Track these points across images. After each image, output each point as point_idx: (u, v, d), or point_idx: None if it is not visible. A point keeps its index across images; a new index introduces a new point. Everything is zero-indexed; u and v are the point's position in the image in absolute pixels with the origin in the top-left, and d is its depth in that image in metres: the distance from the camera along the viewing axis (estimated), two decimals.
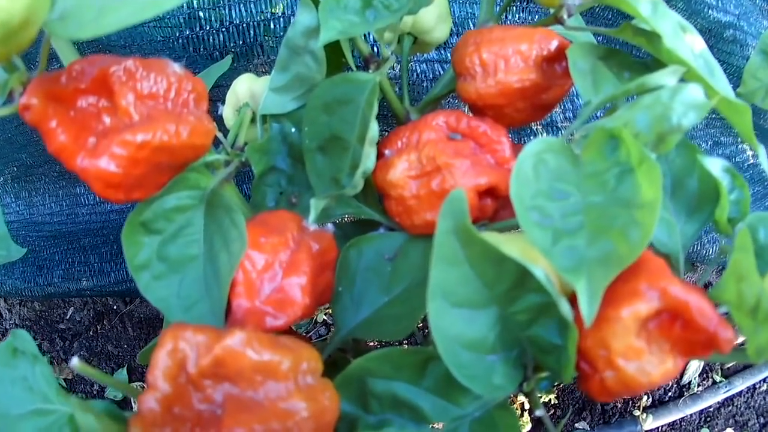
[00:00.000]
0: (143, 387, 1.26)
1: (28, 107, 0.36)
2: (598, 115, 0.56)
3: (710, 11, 0.93)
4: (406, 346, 0.56)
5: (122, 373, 1.25)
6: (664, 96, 0.37)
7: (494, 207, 0.47)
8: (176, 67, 0.40)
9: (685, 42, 0.42)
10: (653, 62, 0.45)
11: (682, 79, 0.41)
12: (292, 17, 0.84)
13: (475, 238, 0.34)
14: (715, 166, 0.43)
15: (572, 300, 0.34)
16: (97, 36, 0.29)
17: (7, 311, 1.35)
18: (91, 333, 1.32)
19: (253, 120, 0.56)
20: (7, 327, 1.34)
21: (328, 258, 0.45)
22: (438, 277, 0.35)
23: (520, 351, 0.37)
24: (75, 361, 0.35)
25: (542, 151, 0.36)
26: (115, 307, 1.34)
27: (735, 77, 0.93)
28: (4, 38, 0.30)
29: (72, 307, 1.34)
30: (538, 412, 0.40)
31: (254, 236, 0.41)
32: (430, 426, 0.39)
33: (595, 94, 0.43)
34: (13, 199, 1.13)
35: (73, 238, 1.15)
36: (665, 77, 0.39)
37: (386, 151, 0.47)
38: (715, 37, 0.95)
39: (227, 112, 0.58)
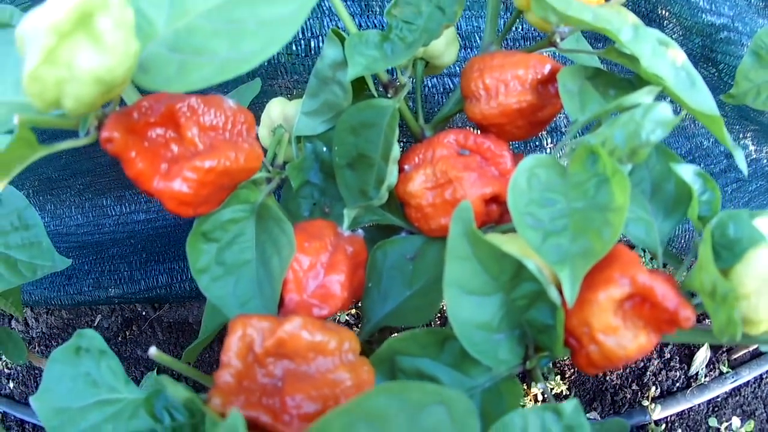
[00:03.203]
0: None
1: (111, 140, 0.39)
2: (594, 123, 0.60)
3: (704, 15, 0.93)
4: None
5: (152, 377, 1.26)
6: (638, 114, 0.41)
7: (499, 212, 0.51)
8: (231, 102, 0.43)
9: (667, 58, 0.44)
10: (637, 79, 0.48)
11: (662, 94, 0.44)
12: (312, 39, 0.85)
13: (481, 239, 0.39)
14: (687, 172, 0.45)
15: (560, 288, 0.38)
16: (185, 91, 0.35)
17: (33, 320, 1.35)
18: (119, 339, 1.33)
19: (288, 140, 0.59)
20: (34, 336, 1.34)
21: (360, 259, 0.49)
22: (452, 271, 0.39)
23: (522, 331, 0.42)
24: (153, 350, 0.37)
25: (534, 166, 0.41)
26: (143, 313, 1.34)
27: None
28: (106, 92, 0.35)
29: (99, 315, 1.35)
30: (540, 386, 0.44)
31: (299, 242, 0.46)
32: None
33: (582, 113, 0.46)
34: (38, 211, 1.10)
35: (101, 248, 1.15)
36: (642, 96, 0.42)
37: (405, 166, 0.52)
38: (710, 39, 0.94)
39: (262, 132, 0.61)
